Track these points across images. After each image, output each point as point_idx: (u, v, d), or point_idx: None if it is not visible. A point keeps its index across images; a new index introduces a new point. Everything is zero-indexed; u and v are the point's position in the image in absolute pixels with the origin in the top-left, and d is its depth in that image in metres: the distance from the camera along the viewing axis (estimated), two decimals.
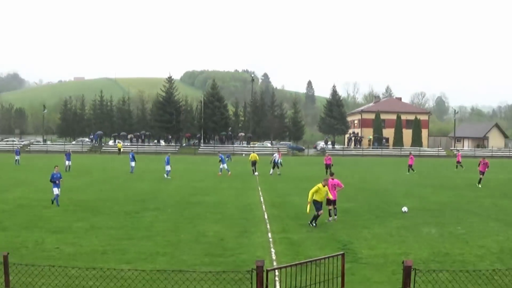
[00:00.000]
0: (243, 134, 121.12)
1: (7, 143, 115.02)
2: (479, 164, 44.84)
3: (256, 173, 51.24)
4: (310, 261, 10.74)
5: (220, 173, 52.32)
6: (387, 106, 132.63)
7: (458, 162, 65.84)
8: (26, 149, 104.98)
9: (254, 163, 52.41)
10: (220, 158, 54.64)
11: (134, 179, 46.30)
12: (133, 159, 53.37)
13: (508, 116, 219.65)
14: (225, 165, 53.65)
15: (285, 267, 11.68)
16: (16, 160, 61.76)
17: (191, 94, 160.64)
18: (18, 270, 11.55)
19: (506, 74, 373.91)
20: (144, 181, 44.78)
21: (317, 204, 22.73)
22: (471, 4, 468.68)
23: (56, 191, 29.25)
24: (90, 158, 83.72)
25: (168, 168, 49.54)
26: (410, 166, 57.65)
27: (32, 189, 37.26)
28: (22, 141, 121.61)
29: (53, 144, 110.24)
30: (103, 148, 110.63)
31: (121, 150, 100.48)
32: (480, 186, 41.95)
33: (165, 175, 48.91)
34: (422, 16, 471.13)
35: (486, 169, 44.33)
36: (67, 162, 54.69)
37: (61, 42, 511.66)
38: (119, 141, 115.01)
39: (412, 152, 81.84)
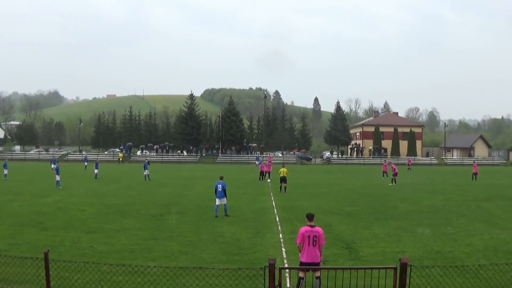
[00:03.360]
0: (256, 144, 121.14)
1: (48, 153, 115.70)
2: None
3: (268, 180, 51.00)
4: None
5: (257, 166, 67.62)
6: (385, 120, 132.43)
7: (475, 173, 56.67)
8: (64, 158, 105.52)
9: (284, 179, 41.20)
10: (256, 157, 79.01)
11: (158, 185, 46.35)
12: (146, 167, 53.46)
13: (491, 128, 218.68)
14: (256, 162, 72.45)
15: (297, 268, 11.70)
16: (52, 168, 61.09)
17: (210, 110, 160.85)
18: (57, 266, 11.64)
19: (489, 92, 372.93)
20: (168, 187, 44.83)
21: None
22: (459, 29, 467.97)
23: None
24: (122, 167, 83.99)
25: (145, 172, 53.19)
26: (384, 172, 57.69)
27: (69, 193, 37.42)
28: (61, 151, 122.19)
29: (88, 154, 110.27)
30: (132, 157, 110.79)
31: (121, 160, 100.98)
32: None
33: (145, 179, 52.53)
34: (415, 40, 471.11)
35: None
36: (96, 171, 54.79)
37: (96, 64, 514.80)
38: (119, 150, 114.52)
39: (387, 160, 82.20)
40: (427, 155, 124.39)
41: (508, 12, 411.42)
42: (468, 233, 21.72)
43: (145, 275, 13.03)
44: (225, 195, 26.97)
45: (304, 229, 12.65)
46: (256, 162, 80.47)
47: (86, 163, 75.30)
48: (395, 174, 50.03)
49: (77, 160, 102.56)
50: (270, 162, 61.06)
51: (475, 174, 55.95)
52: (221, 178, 28.02)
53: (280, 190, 40.47)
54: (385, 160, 73.86)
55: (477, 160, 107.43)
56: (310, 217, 12.92)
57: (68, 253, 17.12)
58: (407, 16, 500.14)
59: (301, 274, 12.37)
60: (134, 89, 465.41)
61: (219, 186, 27.00)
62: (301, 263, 12.45)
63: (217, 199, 26.94)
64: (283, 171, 41.51)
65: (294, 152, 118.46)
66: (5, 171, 51.93)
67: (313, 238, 12.40)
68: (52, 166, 60.57)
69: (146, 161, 57.19)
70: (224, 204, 26.99)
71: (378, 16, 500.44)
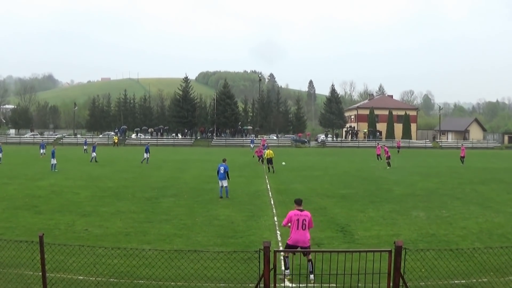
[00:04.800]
0: (251, 127, 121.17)
1: (43, 136, 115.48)
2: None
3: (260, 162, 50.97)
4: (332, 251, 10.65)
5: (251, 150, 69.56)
6: (380, 102, 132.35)
7: (463, 157, 56.28)
8: (59, 142, 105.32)
9: (270, 161, 43.60)
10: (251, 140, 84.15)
11: (153, 168, 46.31)
12: (147, 151, 53.19)
13: (486, 111, 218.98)
14: (251, 145, 74.85)
15: (291, 251, 11.68)
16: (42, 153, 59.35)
17: (205, 93, 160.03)
18: (52, 249, 11.60)
19: (484, 74, 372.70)
20: (163, 170, 44.81)
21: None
22: (454, 11, 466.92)
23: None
24: (117, 150, 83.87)
25: (146, 155, 52.51)
26: (378, 155, 57.37)
27: (64, 177, 37.34)
28: (56, 135, 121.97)
29: (82, 137, 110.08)
30: (127, 141, 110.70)
31: (116, 142, 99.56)
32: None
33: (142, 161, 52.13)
34: (411, 22, 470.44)
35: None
36: (93, 154, 54.36)
37: (90, 47, 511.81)
38: (113, 133, 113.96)
39: (380, 143, 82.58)
40: (434, 139, 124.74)
41: None
42: (462, 216, 21.78)
43: (140, 258, 13.02)
44: (227, 177, 27.22)
45: (293, 212, 12.92)
46: (251, 145, 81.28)
47: (85, 147, 75.08)
48: (388, 157, 49.92)
49: (72, 144, 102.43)
50: (263, 145, 61.00)
51: (463, 157, 55.84)
52: (224, 160, 28.29)
53: (269, 171, 42.52)
54: (377, 143, 73.91)
55: (472, 143, 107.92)
56: (298, 202, 13.23)
57: (63, 237, 17.12)
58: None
59: (285, 253, 12.69)
60: (129, 72, 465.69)
61: (221, 168, 27.27)
62: (288, 245, 12.73)
63: (219, 181, 27.34)
64: (269, 153, 44.25)
65: (300, 136, 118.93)
66: None
67: (302, 222, 12.74)
68: (41, 151, 59.89)
69: (148, 144, 57.30)
70: (226, 187, 27.23)
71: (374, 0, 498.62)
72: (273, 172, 42.18)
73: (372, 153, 70.02)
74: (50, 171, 41.63)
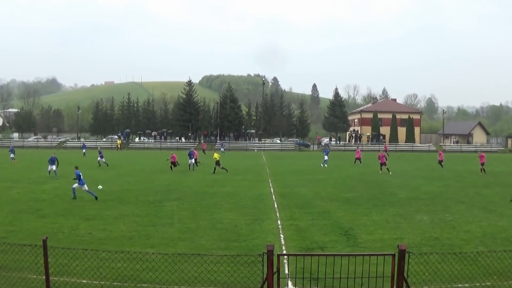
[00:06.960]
0: (254, 131, 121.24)
1: (46, 140, 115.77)
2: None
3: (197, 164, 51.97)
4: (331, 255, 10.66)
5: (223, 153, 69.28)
6: (384, 106, 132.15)
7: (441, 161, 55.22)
8: (63, 145, 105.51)
9: (217, 163, 46.82)
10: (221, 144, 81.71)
11: (156, 172, 46.32)
12: (191, 156, 51.63)
13: (489, 115, 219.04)
14: (222, 149, 73.09)
15: (295, 255, 11.69)
16: (12, 157, 56.97)
17: (209, 96, 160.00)
18: (56, 253, 11.64)
19: (488, 78, 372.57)
20: (166, 173, 44.81)
21: None
22: (458, 16, 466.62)
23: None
24: (120, 153, 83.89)
25: (191, 161, 50.87)
26: (358, 159, 57.38)
27: (67, 180, 37.31)
28: (59, 138, 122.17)
29: (86, 141, 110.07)
30: (130, 144, 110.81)
31: (119, 146, 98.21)
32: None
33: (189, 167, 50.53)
34: (414, 25, 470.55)
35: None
36: (100, 158, 53.87)
37: (94, 51, 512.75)
38: (117, 137, 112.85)
39: (359, 146, 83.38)
40: (457, 142, 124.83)
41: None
42: (466, 220, 21.75)
43: (143, 262, 13.04)
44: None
45: None
46: (222, 149, 79.41)
47: (84, 150, 74.87)
48: (357, 159, 51.08)
49: (75, 147, 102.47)
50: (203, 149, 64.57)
51: (441, 161, 54.87)
52: (76, 167, 29.77)
53: (214, 172, 45.04)
54: (357, 147, 74.17)
55: (476, 147, 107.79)
56: None
57: (67, 240, 17.13)
58: (404, 3, 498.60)
59: None
60: (132, 75, 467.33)
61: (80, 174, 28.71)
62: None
63: (81, 186, 28.35)
64: (216, 156, 47.70)
65: (318, 139, 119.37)
66: None
67: None
68: (11, 155, 57.60)
69: (191, 149, 57.16)
70: (77, 189, 28.42)
71: (376, 3, 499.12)
72: (226, 170, 45.44)
73: (373, 156, 69.97)
74: (54, 177, 41.07)
